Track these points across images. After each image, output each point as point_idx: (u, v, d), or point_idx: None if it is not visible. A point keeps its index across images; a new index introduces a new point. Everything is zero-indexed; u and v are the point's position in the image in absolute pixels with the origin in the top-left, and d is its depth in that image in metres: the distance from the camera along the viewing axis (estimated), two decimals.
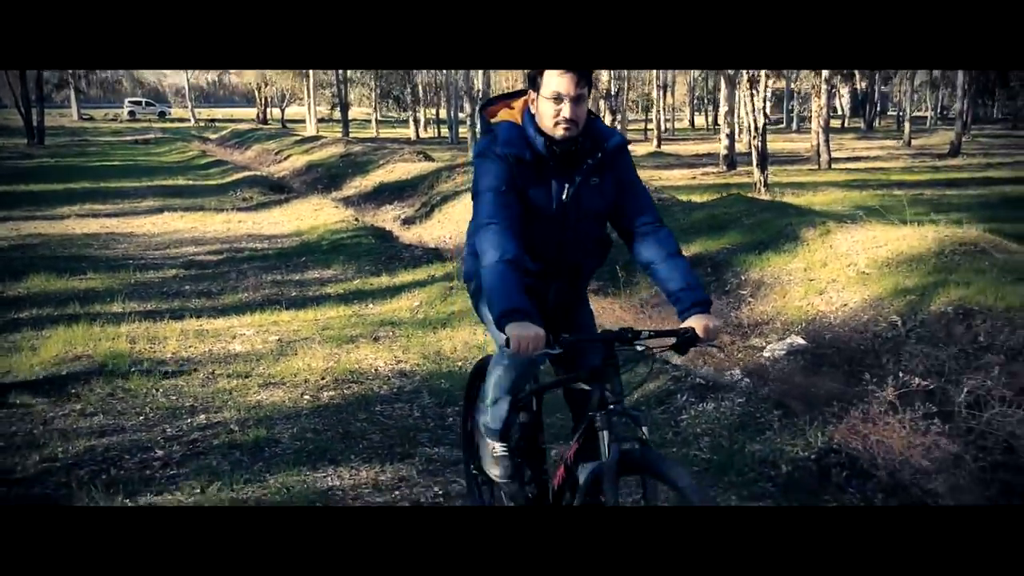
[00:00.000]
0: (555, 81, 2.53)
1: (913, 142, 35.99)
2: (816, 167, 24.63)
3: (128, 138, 40.76)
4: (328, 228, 11.83)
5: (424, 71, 43.89)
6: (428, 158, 21.21)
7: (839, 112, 58.44)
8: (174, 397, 5.09)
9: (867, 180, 21.63)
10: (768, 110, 26.14)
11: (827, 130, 25.41)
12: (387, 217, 15.11)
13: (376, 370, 5.65)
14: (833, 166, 24.59)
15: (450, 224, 13.68)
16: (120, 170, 22.78)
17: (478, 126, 32.04)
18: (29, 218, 13.02)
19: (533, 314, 2.39)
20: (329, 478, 4.00)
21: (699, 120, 67.03)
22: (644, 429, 2.41)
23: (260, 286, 8.30)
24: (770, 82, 24.80)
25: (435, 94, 48.74)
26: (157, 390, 5.19)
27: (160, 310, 7.11)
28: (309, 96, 49.49)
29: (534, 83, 2.60)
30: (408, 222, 14.50)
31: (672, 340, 2.53)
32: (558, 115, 2.55)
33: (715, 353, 6.25)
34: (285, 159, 27.42)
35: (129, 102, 65.62)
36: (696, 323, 2.53)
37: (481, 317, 2.85)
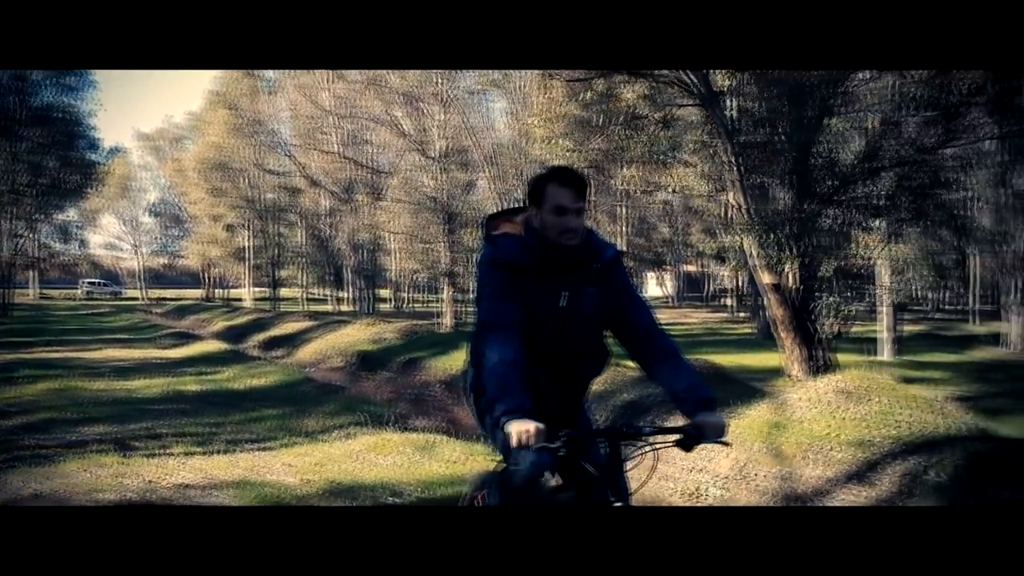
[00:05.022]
0: (557, 195, 2.72)
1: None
2: None
3: (82, 312, 46.59)
4: (207, 351, 18.82)
5: (347, 258, 50.82)
6: (314, 318, 28.03)
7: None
8: (106, 390, 11.72)
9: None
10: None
11: None
12: (257, 351, 21.96)
13: (192, 392, 12.32)
14: None
15: (297, 352, 20.57)
16: (74, 330, 29.23)
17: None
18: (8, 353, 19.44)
19: (533, 411, 2.47)
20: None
21: None
22: None
23: (154, 371, 15.01)
24: None
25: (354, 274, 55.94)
26: (88, 389, 11.81)
27: (92, 376, 13.69)
28: (246, 277, 56.84)
29: (535, 199, 2.78)
30: (274, 355, 21.28)
31: (677, 437, 2.56)
32: (562, 226, 2.71)
33: None
34: (212, 325, 34.19)
35: (86, 282, 68.61)
36: (701, 421, 2.57)
37: (483, 429, 2.78)
